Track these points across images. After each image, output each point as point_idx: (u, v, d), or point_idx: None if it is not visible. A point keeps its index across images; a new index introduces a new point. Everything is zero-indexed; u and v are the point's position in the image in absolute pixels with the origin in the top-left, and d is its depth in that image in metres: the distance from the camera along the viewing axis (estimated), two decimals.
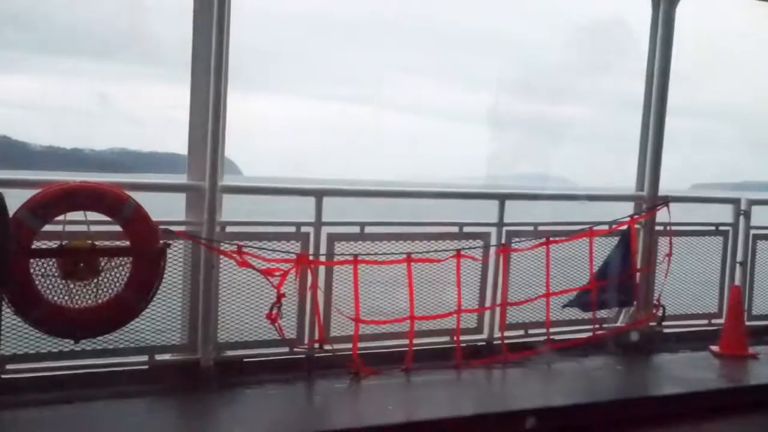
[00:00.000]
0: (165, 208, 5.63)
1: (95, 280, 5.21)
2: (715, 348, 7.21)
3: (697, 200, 8.49)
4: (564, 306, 6.93)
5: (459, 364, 6.34)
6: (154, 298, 5.37)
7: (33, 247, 5.04)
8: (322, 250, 5.99)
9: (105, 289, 5.23)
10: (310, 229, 6.00)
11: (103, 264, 5.22)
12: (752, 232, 7.80)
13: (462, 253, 6.38)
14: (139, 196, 5.38)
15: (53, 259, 5.09)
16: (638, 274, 7.17)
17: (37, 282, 5.05)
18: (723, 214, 7.86)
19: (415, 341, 6.27)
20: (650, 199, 7.26)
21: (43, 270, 5.07)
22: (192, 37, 5.70)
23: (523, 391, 6.06)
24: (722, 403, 6.07)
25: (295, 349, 5.98)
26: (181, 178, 5.82)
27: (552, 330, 6.83)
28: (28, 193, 5.07)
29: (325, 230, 6.05)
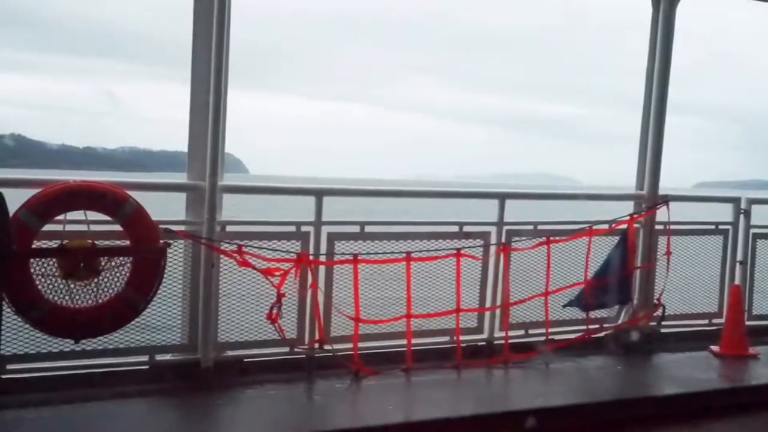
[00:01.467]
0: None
1: (95, 280, 5.20)
2: (715, 348, 7.21)
3: (696, 199, 8.49)
4: (564, 305, 6.93)
5: (459, 364, 6.34)
6: (155, 298, 5.36)
7: (33, 246, 5.03)
8: (322, 249, 5.99)
9: (105, 289, 5.22)
10: (311, 229, 6.00)
11: (103, 264, 5.21)
12: (752, 231, 7.80)
13: (462, 252, 6.38)
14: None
15: (53, 259, 5.08)
16: (638, 273, 7.18)
17: (37, 282, 5.04)
18: (723, 213, 7.87)
19: (416, 341, 6.27)
20: (650, 198, 7.27)
21: (43, 270, 5.06)
22: (192, 37, 5.69)
23: (523, 391, 6.06)
24: (722, 403, 6.07)
25: (296, 349, 5.98)
26: (182, 178, 5.81)
27: (552, 330, 6.83)
28: (28, 193, 5.06)
29: (326, 230, 6.05)
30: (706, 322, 7.66)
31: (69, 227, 5.14)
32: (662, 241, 7.24)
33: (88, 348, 5.31)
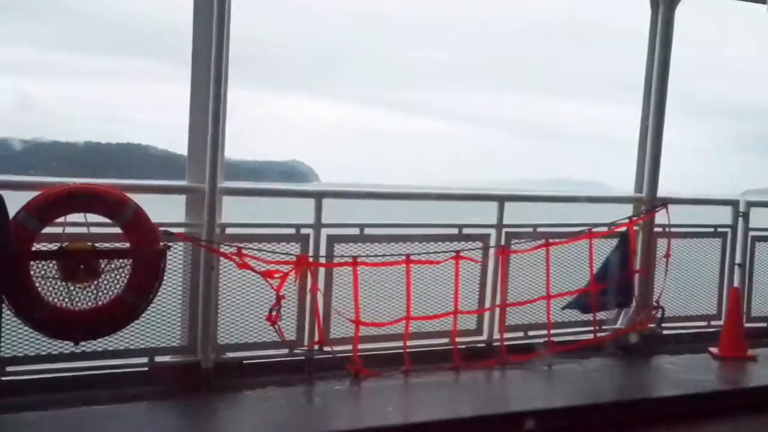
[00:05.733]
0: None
1: (95, 282, 5.20)
2: (714, 350, 7.22)
3: (696, 202, 8.51)
4: (563, 308, 6.94)
5: (458, 365, 6.35)
6: (154, 300, 5.37)
7: (33, 249, 5.04)
8: (322, 251, 6.00)
9: (105, 291, 5.22)
10: (310, 231, 6.01)
11: (103, 266, 5.21)
12: (751, 233, 7.81)
13: (461, 254, 6.39)
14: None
15: (53, 261, 5.09)
16: (637, 275, 7.18)
17: (37, 284, 5.05)
18: (722, 215, 7.89)
19: (415, 343, 6.28)
20: (649, 201, 7.28)
21: (43, 272, 5.06)
22: (192, 37, 5.69)
23: (522, 392, 6.07)
24: (721, 405, 6.08)
25: (295, 351, 5.98)
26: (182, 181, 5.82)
27: (551, 332, 6.83)
28: (28, 195, 5.07)
29: (325, 232, 6.06)
30: (705, 324, 7.67)
31: (69, 230, 5.14)
32: (661, 243, 7.26)
33: (88, 350, 5.31)
